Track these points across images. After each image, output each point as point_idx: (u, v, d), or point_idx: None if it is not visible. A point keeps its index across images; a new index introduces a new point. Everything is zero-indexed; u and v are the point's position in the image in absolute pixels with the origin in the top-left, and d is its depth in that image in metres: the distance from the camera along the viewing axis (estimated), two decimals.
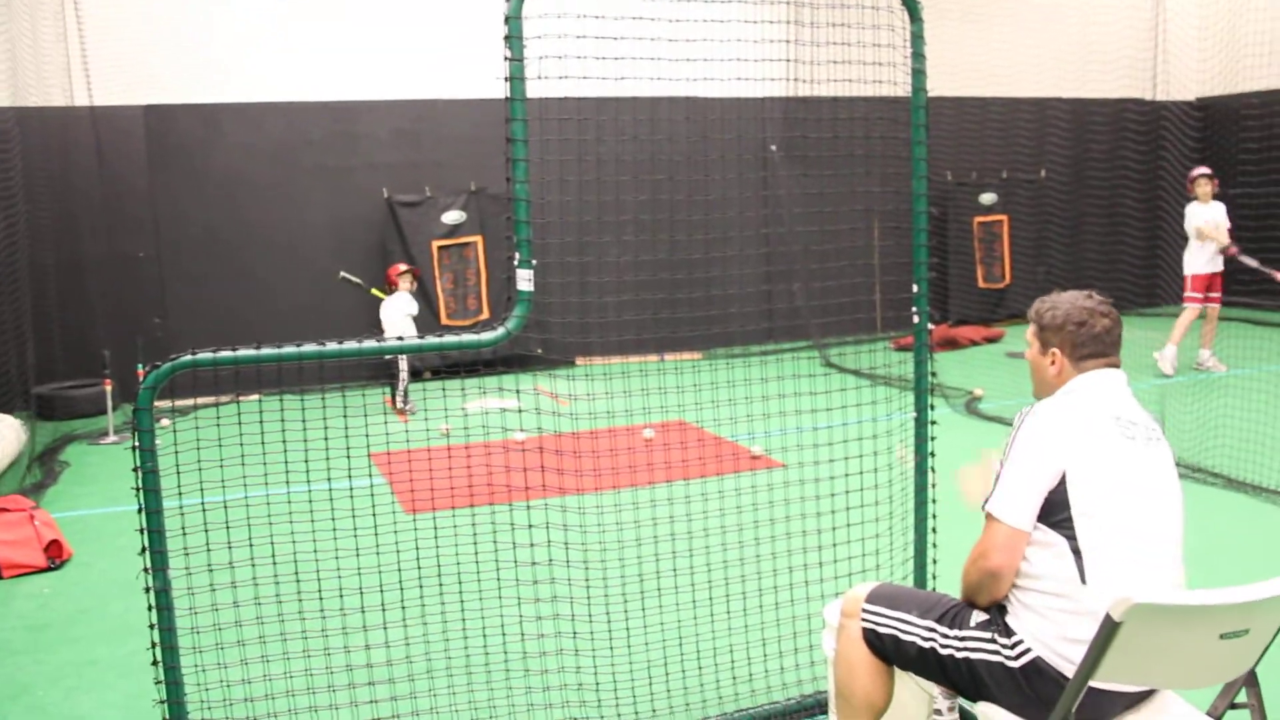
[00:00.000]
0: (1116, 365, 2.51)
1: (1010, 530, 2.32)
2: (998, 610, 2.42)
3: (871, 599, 2.64)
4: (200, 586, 2.93)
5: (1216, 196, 9.22)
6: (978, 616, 2.45)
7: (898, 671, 2.64)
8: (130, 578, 3.77)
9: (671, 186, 6.96)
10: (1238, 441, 6.40)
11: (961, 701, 2.84)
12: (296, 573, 3.28)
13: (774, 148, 11.20)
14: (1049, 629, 2.30)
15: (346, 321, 9.94)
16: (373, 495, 3.75)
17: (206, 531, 2.88)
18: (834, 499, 3.82)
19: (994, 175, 12.83)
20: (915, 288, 3.47)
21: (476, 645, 3.49)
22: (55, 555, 5.33)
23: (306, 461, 3.02)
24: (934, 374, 3.69)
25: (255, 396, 5.44)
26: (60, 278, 9.54)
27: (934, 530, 3.54)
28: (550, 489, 4.11)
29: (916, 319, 3.49)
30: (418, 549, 3.34)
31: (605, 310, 8.70)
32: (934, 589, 3.32)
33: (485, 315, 10.67)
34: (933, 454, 3.51)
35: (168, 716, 2.61)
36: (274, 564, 3.18)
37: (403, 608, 3.37)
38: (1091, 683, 2.07)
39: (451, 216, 10.59)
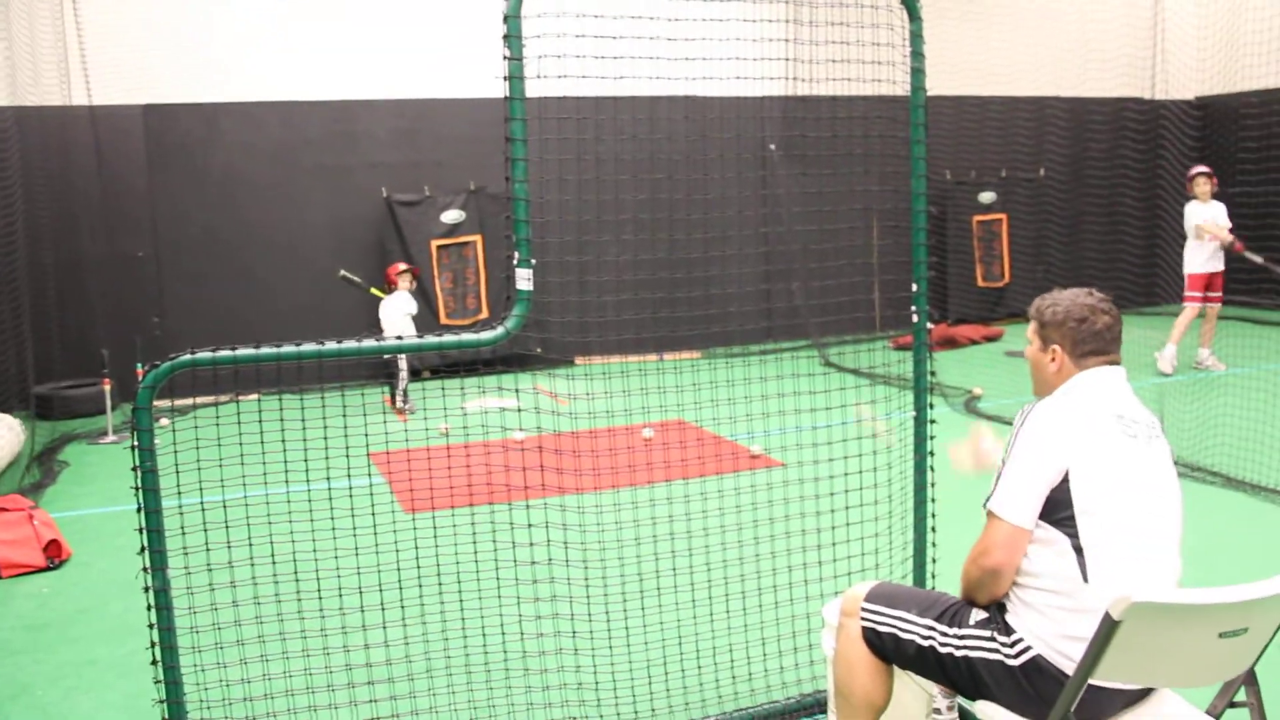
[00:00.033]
0: (1117, 363, 2.51)
1: (1012, 528, 2.32)
2: (997, 608, 2.42)
3: (871, 598, 2.64)
4: (199, 586, 2.93)
5: (1215, 195, 9.21)
6: (977, 615, 2.45)
7: (897, 670, 2.64)
8: (129, 577, 3.77)
9: (670, 186, 6.98)
10: (1237, 440, 6.40)
11: (961, 700, 2.83)
12: (296, 572, 3.28)
13: (773, 147, 11.19)
14: (1049, 627, 2.30)
15: (346, 321, 9.93)
16: (372, 495, 3.76)
17: (206, 531, 2.88)
18: (833, 498, 3.82)
19: (993, 174, 12.83)
20: (914, 287, 3.47)
21: (476, 645, 3.49)
22: (54, 555, 5.32)
23: (306, 461, 3.02)
24: (933, 373, 3.68)
25: (254, 396, 5.44)
26: (59, 277, 9.53)
27: (933, 529, 3.54)
28: (550, 488, 4.12)
29: (915, 318, 3.49)
30: (417, 549, 3.34)
31: (604, 309, 8.70)
32: (933, 588, 3.32)
33: (484, 315, 10.66)
34: (932, 453, 3.51)
35: (167, 716, 2.61)
36: (273, 564, 3.18)
37: (402, 607, 3.37)
38: (1091, 681, 2.07)
39: (451, 216, 10.59)
